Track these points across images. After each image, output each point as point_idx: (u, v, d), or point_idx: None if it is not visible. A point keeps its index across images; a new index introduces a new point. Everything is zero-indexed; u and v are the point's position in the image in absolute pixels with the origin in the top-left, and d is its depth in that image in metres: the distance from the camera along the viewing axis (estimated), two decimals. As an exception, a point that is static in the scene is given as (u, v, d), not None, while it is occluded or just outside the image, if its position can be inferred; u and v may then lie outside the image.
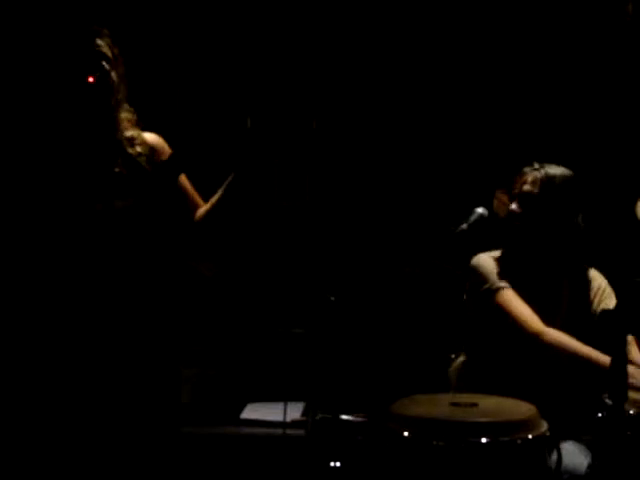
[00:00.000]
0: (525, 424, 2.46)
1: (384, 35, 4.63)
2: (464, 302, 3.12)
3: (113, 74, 2.72)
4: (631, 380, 2.40)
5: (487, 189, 3.88)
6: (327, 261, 4.25)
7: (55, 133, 2.74)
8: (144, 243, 2.76)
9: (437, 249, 3.79)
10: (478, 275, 3.04)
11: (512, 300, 2.97)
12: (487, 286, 3.01)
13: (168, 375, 2.84)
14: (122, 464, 2.69)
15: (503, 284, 3.00)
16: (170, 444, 2.84)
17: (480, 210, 3.12)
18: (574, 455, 2.81)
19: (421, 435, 2.43)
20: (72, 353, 2.66)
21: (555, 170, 3.06)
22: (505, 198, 3.52)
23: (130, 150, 2.79)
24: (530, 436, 2.43)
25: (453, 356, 3.25)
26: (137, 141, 2.80)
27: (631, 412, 2.47)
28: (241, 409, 4.24)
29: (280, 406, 3.57)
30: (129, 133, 2.80)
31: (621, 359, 2.28)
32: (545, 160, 3.11)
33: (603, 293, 3.07)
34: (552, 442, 2.49)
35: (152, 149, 2.83)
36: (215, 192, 2.85)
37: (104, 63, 2.70)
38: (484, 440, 2.38)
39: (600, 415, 2.48)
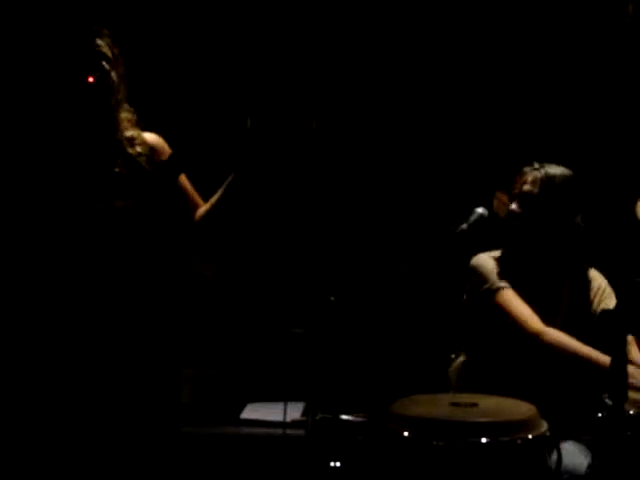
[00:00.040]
0: (525, 424, 2.46)
1: (384, 35, 4.63)
2: (464, 302, 3.12)
3: (113, 74, 2.72)
4: (631, 380, 2.40)
5: (487, 189, 3.88)
6: (327, 261, 4.25)
7: (55, 133, 2.74)
8: (144, 243, 2.76)
9: (437, 249, 3.79)
10: (478, 275, 3.04)
11: (512, 300, 2.97)
12: (487, 286, 3.01)
13: (168, 375, 2.84)
14: (122, 464, 2.69)
15: (503, 284, 3.00)
16: (170, 444, 2.84)
17: (480, 210, 3.11)
18: (574, 455, 2.81)
19: (421, 435, 2.43)
20: (72, 353, 2.66)
21: (555, 170, 3.06)
22: (505, 198, 3.52)
23: (130, 150, 2.78)
24: (530, 436, 2.43)
25: (453, 356, 3.25)
26: (137, 141, 2.80)
27: (631, 412, 2.47)
28: (241, 409, 4.24)
29: (280, 406, 3.57)
30: (129, 133, 2.80)
31: (621, 359, 2.28)
32: (545, 160, 3.11)
33: (603, 293, 3.07)
34: (552, 442, 2.49)
35: (152, 149, 2.83)
36: (215, 192, 2.85)
37: (104, 63, 2.70)
38: (484, 440, 2.38)
39: (600, 415, 2.48)
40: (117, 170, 2.74)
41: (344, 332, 4.01)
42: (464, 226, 3.07)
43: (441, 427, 2.43)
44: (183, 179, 2.87)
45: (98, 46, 2.71)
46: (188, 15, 4.54)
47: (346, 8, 4.61)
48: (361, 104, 4.66)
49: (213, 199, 2.85)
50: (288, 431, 3.68)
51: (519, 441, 2.41)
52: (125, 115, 2.80)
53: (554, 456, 2.49)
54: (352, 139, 4.65)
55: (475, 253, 3.13)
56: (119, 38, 2.77)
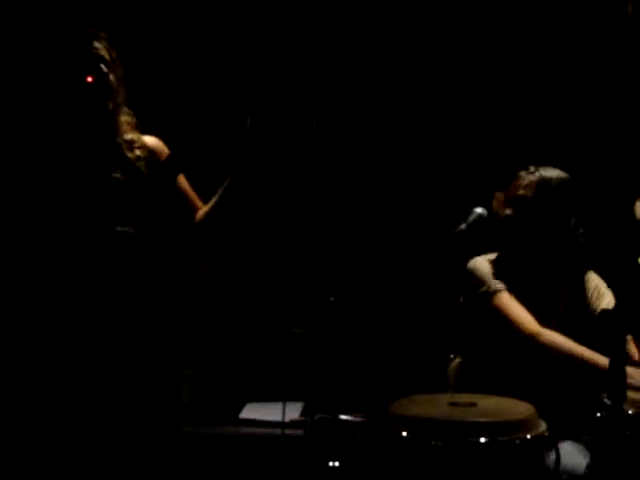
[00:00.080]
0: (524, 424, 2.46)
1: (384, 36, 4.63)
2: (460, 305, 3.12)
3: (111, 77, 2.72)
4: (630, 380, 2.41)
5: (486, 189, 3.88)
6: (326, 261, 4.25)
7: (54, 137, 2.74)
8: (144, 243, 2.76)
9: (436, 249, 3.79)
10: (475, 278, 3.05)
11: (509, 302, 2.97)
12: (484, 289, 3.01)
13: (168, 375, 2.84)
14: (122, 464, 2.70)
15: (499, 287, 3.00)
16: (170, 444, 2.85)
17: (479, 210, 3.12)
18: (573, 455, 2.81)
19: (420, 435, 2.43)
20: (73, 354, 2.67)
21: (551, 173, 3.06)
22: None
23: (129, 154, 2.78)
24: (529, 436, 2.44)
25: (452, 356, 3.26)
26: (136, 144, 2.80)
27: (630, 412, 2.47)
28: (240, 409, 4.24)
29: (279, 406, 3.58)
30: (128, 136, 2.80)
31: (620, 359, 2.29)
32: (544, 160, 3.11)
33: (599, 294, 3.07)
34: (551, 442, 2.49)
35: (151, 152, 2.83)
36: (214, 193, 2.85)
37: (102, 66, 2.70)
38: (483, 440, 2.39)
39: (599, 415, 2.49)
40: (116, 176, 2.74)
41: (343, 332, 4.02)
42: (463, 226, 3.07)
43: (440, 427, 2.43)
44: (182, 180, 2.87)
45: (96, 49, 2.71)
46: (187, 17, 4.54)
47: (346, 8, 4.62)
48: (361, 104, 4.66)
49: (213, 200, 2.85)
50: (287, 431, 3.68)
51: (518, 441, 2.42)
52: (125, 118, 2.80)
53: (553, 456, 2.50)
54: (352, 140, 4.65)
55: (474, 253, 3.13)
56: (117, 40, 2.77)
